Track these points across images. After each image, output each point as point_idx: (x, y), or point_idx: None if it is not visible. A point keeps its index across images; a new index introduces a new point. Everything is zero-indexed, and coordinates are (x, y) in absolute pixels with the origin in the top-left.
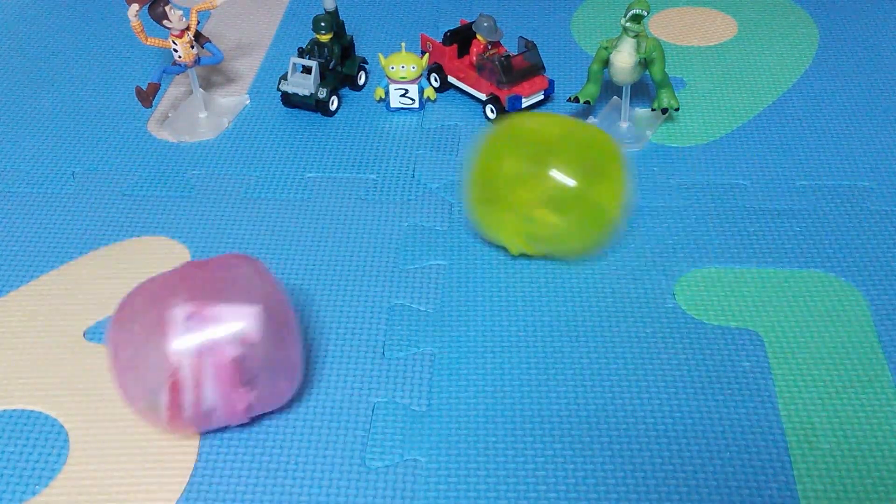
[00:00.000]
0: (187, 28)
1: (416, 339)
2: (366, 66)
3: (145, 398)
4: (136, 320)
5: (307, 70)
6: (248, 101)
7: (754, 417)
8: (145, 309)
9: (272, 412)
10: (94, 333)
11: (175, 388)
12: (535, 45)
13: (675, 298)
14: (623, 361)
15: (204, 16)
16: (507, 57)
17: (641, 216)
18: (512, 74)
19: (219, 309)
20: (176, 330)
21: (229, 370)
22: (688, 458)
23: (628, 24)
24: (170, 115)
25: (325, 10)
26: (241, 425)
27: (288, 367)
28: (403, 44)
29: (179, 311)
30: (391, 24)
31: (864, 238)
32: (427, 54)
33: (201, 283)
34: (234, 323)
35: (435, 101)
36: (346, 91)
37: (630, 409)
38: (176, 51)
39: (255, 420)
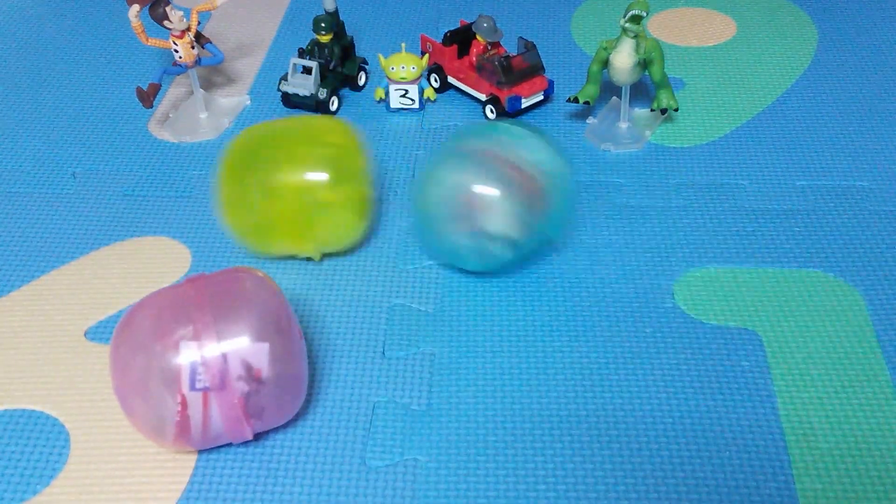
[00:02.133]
0: (188, 29)
1: (416, 339)
2: (366, 66)
3: (151, 422)
4: (143, 346)
5: (307, 71)
6: (248, 102)
7: (753, 417)
8: (153, 335)
9: None
10: (94, 333)
11: (183, 420)
12: (534, 45)
13: (674, 298)
14: (622, 361)
15: (204, 16)
16: (507, 57)
17: (641, 216)
18: (512, 75)
19: (229, 345)
20: (185, 369)
21: (237, 406)
22: (687, 458)
23: (627, 25)
24: (170, 115)
25: (325, 10)
26: None
27: (294, 386)
28: (403, 44)
29: (189, 350)
30: (391, 25)
31: (863, 238)
32: (427, 55)
33: (209, 304)
34: (243, 361)
35: (435, 101)
36: (346, 91)
37: (629, 408)
38: (177, 51)
39: None
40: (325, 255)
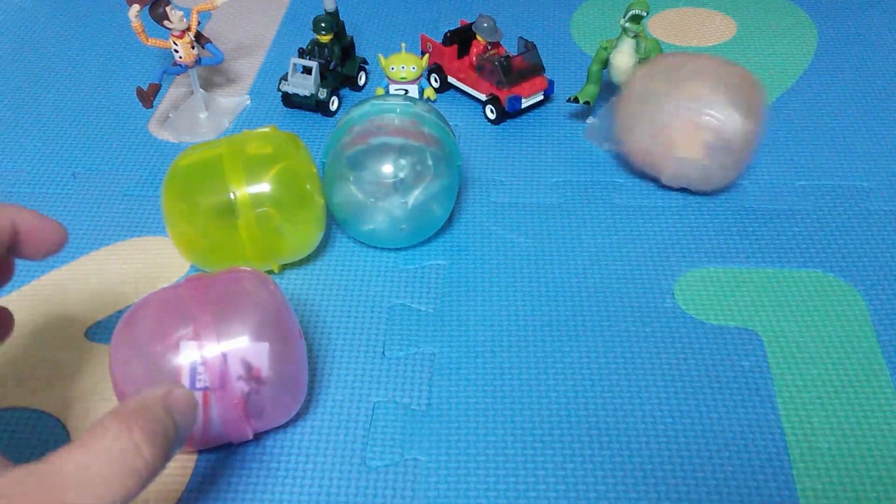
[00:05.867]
0: (188, 29)
1: (416, 339)
2: (366, 66)
3: None
4: (143, 346)
5: (307, 71)
6: (248, 102)
7: (753, 416)
8: (153, 335)
9: None
10: (95, 333)
11: None
12: (534, 45)
13: (674, 298)
14: (623, 361)
15: (204, 16)
16: (507, 58)
17: (641, 216)
18: (512, 75)
19: (228, 345)
20: (185, 369)
21: (237, 406)
22: (687, 458)
23: (627, 25)
24: (170, 115)
25: (325, 10)
26: None
27: (294, 386)
28: (403, 44)
29: (189, 349)
30: (391, 25)
31: (864, 238)
32: (427, 55)
33: (209, 304)
34: (243, 361)
35: (435, 101)
36: (346, 91)
37: (629, 408)
38: (177, 51)
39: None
40: (326, 256)
